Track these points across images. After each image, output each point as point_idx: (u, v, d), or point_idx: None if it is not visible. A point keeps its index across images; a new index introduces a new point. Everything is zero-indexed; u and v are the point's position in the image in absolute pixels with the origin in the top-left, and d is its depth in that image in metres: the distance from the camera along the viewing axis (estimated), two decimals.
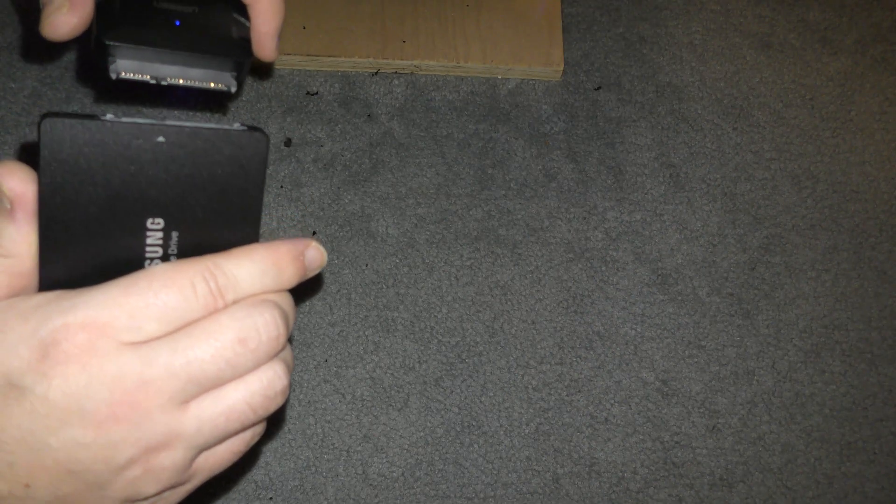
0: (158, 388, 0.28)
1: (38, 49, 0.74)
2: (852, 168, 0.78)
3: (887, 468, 0.69)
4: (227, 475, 0.65)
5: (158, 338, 0.28)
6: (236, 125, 0.31)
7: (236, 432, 0.31)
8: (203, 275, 0.29)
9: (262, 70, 0.76)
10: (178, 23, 0.30)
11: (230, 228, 0.31)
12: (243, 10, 0.36)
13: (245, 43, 0.32)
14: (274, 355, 0.31)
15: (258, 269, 0.30)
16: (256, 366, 0.30)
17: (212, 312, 0.29)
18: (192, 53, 0.30)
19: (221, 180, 0.30)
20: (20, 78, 0.73)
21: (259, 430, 0.33)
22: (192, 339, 0.28)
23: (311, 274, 0.33)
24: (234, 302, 0.30)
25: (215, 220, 0.31)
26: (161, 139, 0.29)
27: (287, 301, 0.32)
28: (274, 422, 0.67)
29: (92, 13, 0.31)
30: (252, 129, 0.31)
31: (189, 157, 0.30)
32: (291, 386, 0.68)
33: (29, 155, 0.71)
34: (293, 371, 0.68)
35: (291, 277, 0.32)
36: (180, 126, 0.30)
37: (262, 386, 0.30)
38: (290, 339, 0.33)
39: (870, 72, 0.81)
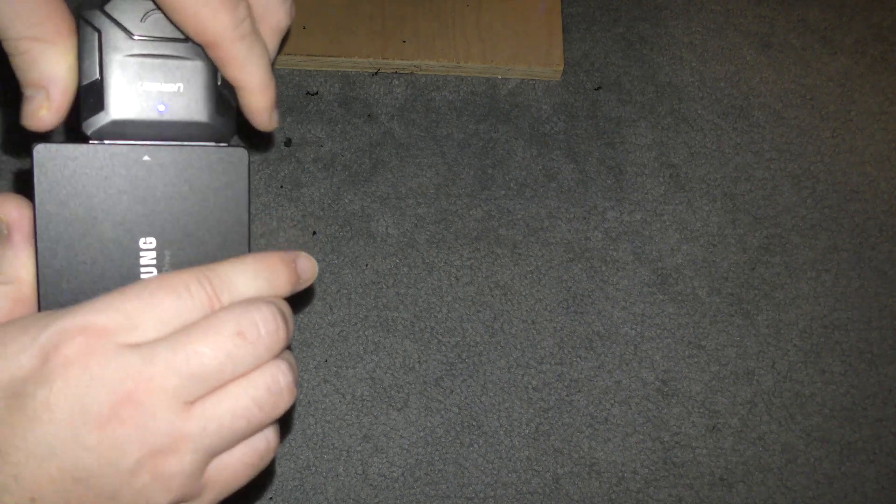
0: (160, 385, 0.28)
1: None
2: (852, 168, 0.78)
3: (887, 468, 0.69)
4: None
5: (157, 339, 0.28)
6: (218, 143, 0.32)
7: (245, 434, 0.31)
8: (198, 278, 0.30)
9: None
10: (163, 109, 0.31)
11: (220, 244, 0.32)
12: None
13: (230, 123, 0.33)
14: (275, 352, 0.31)
15: (251, 272, 0.31)
16: (258, 362, 0.30)
17: (209, 314, 0.29)
18: (175, 144, 0.32)
19: (207, 196, 0.32)
20: None
21: (273, 442, 0.32)
22: (191, 336, 0.29)
23: (304, 284, 0.34)
24: (231, 303, 0.30)
25: (205, 237, 0.32)
26: (146, 158, 0.31)
27: (284, 305, 0.32)
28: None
29: (72, 104, 0.32)
30: (232, 145, 0.32)
31: (174, 175, 0.31)
32: None
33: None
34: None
35: (285, 283, 0.32)
36: (163, 145, 0.31)
37: (267, 382, 0.30)
38: (290, 347, 0.33)
39: (870, 72, 0.81)
